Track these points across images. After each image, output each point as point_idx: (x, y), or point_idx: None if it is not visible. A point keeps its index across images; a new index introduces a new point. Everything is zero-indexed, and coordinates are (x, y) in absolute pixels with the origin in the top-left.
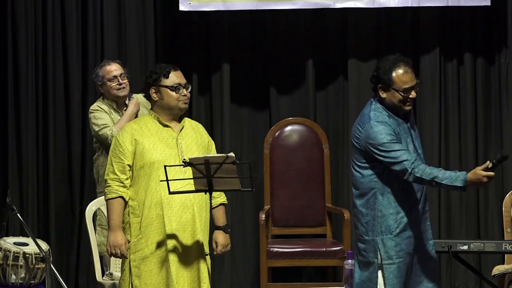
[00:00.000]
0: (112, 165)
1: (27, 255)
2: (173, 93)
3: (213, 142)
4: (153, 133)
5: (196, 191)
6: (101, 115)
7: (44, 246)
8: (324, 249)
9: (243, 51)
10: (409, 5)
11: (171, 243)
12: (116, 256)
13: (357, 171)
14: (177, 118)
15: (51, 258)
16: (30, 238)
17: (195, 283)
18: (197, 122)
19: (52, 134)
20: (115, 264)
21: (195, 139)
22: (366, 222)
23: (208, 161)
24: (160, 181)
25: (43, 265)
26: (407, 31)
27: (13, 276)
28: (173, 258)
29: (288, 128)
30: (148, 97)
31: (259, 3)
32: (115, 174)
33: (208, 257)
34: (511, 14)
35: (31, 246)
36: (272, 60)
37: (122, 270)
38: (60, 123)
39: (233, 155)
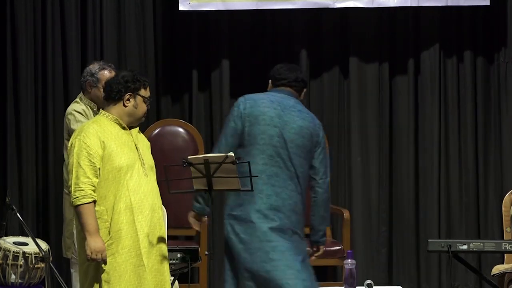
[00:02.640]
0: (83, 168)
1: (26, 255)
2: (144, 105)
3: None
4: (115, 136)
5: (196, 190)
6: (82, 119)
7: (44, 245)
8: (324, 248)
9: (243, 50)
10: (409, 5)
11: (144, 247)
12: (96, 261)
13: (306, 166)
14: (131, 126)
15: (50, 258)
16: (29, 237)
17: (161, 287)
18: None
19: (52, 133)
20: None
21: (144, 142)
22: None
23: (208, 160)
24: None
25: (43, 265)
26: (407, 31)
27: (13, 276)
28: (147, 263)
29: None
30: (117, 98)
31: (259, 3)
32: (88, 177)
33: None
34: (511, 14)
35: (31, 246)
36: (272, 59)
37: (85, 276)
38: (59, 123)
39: (233, 154)
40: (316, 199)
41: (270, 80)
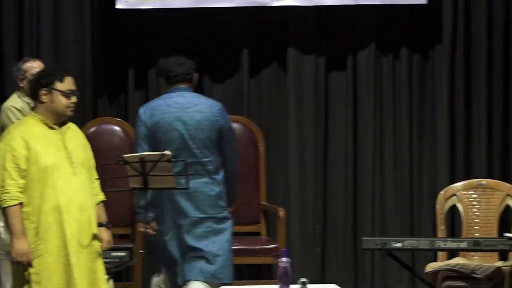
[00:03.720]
0: (8, 171)
1: None
2: (64, 99)
3: (88, 142)
4: (41, 136)
5: (132, 189)
6: (20, 116)
7: None
8: (259, 247)
9: (181, 49)
10: (347, 3)
11: (72, 247)
12: (22, 264)
13: (213, 153)
14: (60, 122)
15: None
16: None
17: (94, 286)
18: (72, 123)
19: None
20: None
21: (77, 140)
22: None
23: (144, 159)
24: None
25: None
26: (345, 28)
27: None
28: (75, 262)
29: None
30: (35, 96)
31: (197, 1)
32: (14, 179)
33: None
34: (447, 12)
35: None
36: (209, 57)
37: (15, 277)
38: None
39: (169, 153)
40: (226, 178)
41: (162, 78)
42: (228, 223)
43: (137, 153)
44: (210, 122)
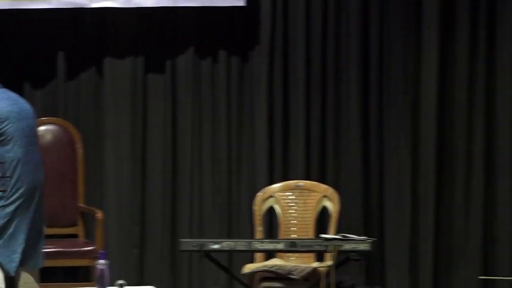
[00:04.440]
0: None
1: None
2: None
3: None
4: None
5: None
6: None
7: None
8: (76, 249)
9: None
10: (165, 5)
11: None
12: None
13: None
14: None
15: None
16: None
17: None
18: None
19: None
20: None
21: None
22: None
23: None
24: None
25: None
26: (164, 31)
27: None
28: None
29: (42, 128)
30: None
31: (13, 3)
32: None
33: None
34: (265, 14)
35: None
36: (27, 60)
37: None
38: None
39: None
40: None
41: None
42: None
43: None
44: (32, 111)
